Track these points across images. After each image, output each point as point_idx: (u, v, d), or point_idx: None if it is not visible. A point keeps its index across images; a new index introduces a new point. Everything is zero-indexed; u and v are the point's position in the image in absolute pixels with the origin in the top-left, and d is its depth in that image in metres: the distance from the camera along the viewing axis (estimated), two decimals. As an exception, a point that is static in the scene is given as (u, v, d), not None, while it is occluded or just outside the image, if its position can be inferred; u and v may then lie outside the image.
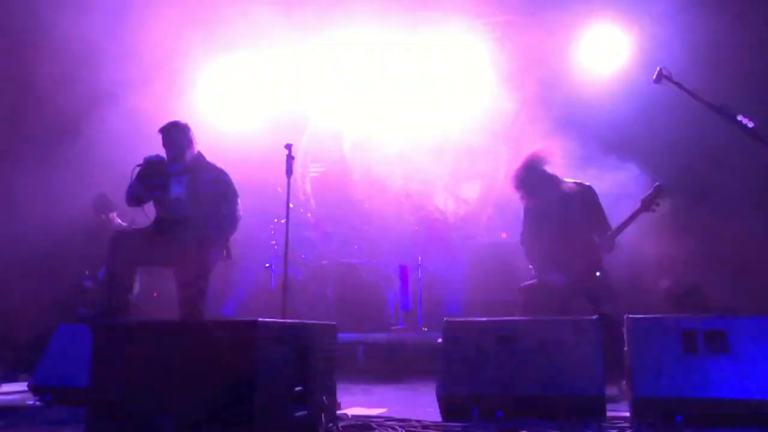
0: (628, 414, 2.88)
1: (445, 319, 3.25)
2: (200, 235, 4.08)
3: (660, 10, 6.23)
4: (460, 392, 2.95)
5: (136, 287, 5.41)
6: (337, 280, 6.23)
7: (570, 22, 7.01)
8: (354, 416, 3.02)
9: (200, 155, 4.35)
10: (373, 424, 2.77)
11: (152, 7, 6.52)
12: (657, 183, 3.98)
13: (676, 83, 3.53)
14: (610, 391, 3.04)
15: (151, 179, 4.13)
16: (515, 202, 4.56)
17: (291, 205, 4.57)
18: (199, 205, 4.13)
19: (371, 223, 6.53)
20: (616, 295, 3.94)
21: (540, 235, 4.14)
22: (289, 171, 4.37)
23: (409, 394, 4.40)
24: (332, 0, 6.73)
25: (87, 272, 5.81)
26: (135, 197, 4.19)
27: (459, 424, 2.78)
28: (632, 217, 3.92)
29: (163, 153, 4.29)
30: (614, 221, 4.09)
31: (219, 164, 4.44)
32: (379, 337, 5.66)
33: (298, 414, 2.44)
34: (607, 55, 6.86)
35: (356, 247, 6.35)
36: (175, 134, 4.24)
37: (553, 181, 4.09)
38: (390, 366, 5.48)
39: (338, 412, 2.98)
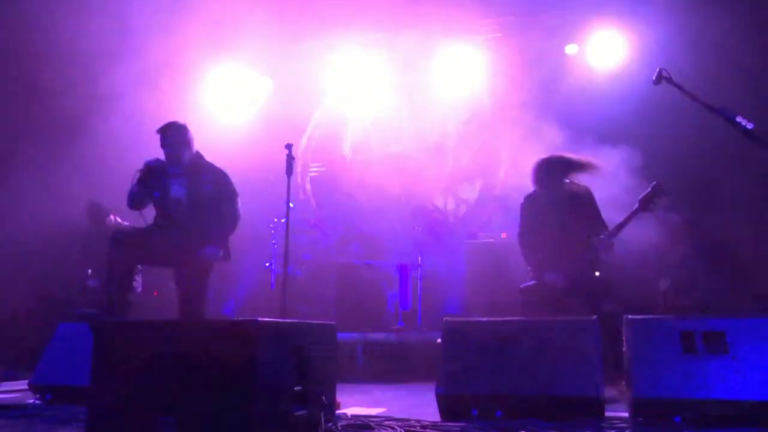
0: (626, 414, 2.88)
1: (444, 318, 3.26)
2: (200, 235, 4.08)
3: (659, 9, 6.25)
4: (460, 392, 2.96)
5: (137, 287, 5.44)
6: (337, 279, 6.24)
7: (571, 21, 7.03)
8: (353, 416, 3.03)
9: (199, 155, 4.36)
10: (372, 424, 2.77)
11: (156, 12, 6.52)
12: (654, 182, 3.99)
13: (676, 85, 3.54)
14: (609, 391, 3.05)
15: (151, 181, 4.14)
16: (514, 202, 4.58)
17: (291, 205, 4.58)
18: (198, 205, 4.14)
19: (371, 223, 6.53)
20: (615, 295, 3.94)
21: (538, 236, 4.15)
22: (289, 171, 4.38)
23: (409, 394, 4.41)
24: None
25: (90, 271, 5.82)
26: (136, 202, 4.20)
27: (458, 424, 2.79)
28: (630, 217, 3.92)
29: (161, 153, 4.30)
30: (613, 222, 4.09)
31: (218, 164, 4.45)
32: (379, 336, 5.67)
33: (297, 413, 2.45)
34: (607, 53, 6.86)
35: (356, 246, 6.35)
36: (173, 134, 4.24)
37: (561, 184, 4.11)
38: (389, 366, 5.48)
39: (338, 411, 2.98)
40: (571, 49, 7.02)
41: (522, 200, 4.43)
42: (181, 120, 4.40)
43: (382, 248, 6.48)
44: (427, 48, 7.60)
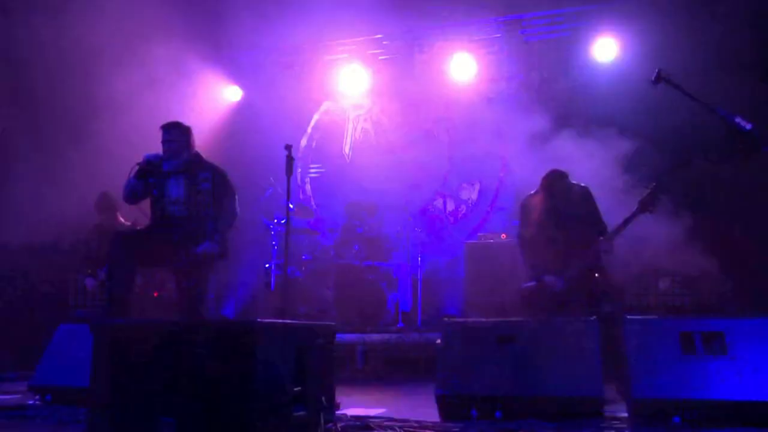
0: (626, 415, 2.89)
1: (444, 319, 3.26)
2: (198, 234, 4.09)
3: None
4: (459, 393, 2.96)
5: (136, 287, 5.42)
6: (337, 280, 6.24)
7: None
8: (353, 416, 3.03)
9: (198, 155, 4.36)
10: (371, 425, 2.77)
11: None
12: (654, 184, 3.99)
13: (675, 85, 3.54)
14: (609, 391, 3.05)
15: (149, 177, 4.15)
16: (514, 203, 4.59)
17: (291, 206, 4.58)
18: (196, 204, 4.14)
19: (371, 224, 6.53)
20: (615, 296, 3.95)
21: (538, 237, 4.15)
22: (289, 171, 4.38)
23: (408, 395, 4.41)
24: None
25: (89, 271, 5.82)
26: (132, 194, 4.21)
27: (458, 424, 2.79)
28: (630, 219, 3.92)
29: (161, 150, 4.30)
30: (612, 222, 4.09)
31: (218, 164, 4.45)
32: (379, 337, 5.67)
33: (296, 414, 2.45)
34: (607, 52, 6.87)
35: (356, 247, 6.35)
36: (176, 134, 4.26)
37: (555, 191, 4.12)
38: (389, 366, 5.49)
39: (337, 412, 2.98)
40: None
41: (522, 201, 4.44)
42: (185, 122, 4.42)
43: (381, 249, 6.49)
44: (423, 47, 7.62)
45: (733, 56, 5.84)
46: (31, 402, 3.62)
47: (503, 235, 6.50)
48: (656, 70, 3.51)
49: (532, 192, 4.35)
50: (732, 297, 5.15)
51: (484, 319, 3.25)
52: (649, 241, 5.23)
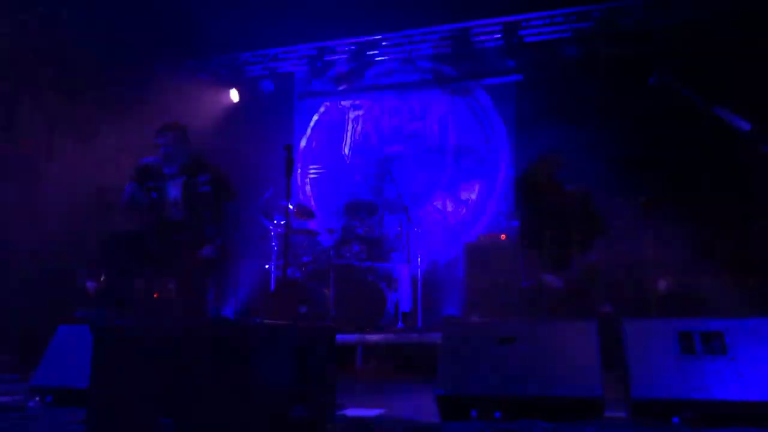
0: (625, 415, 2.89)
1: (444, 319, 3.26)
2: (198, 237, 4.09)
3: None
4: (459, 393, 2.96)
5: (136, 289, 5.43)
6: (337, 281, 6.24)
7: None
8: (353, 417, 3.03)
9: (197, 155, 4.35)
10: (371, 425, 2.78)
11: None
12: (654, 183, 3.99)
13: (674, 85, 3.54)
14: (608, 392, 3.05)
15: (148, 181, 4.14)
16: (514, 203, 4.59)
17: (290, 207, 4.58)
18: (196, 206, 4.14)
19: (371, 224, 6.53)
20: (613, 296, 3.95)
21: (538, 237, 4.15)
22: (289, 172, 4.37)
23: (408, 395, 4.41)
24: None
25: (89, 272, 5.82)
26: (132, 201, 4.20)
27: (457, 424, 2.79)
28: (630, 218, 3.93)
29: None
30: (613, 222, 4.10)
31: (217, 164, 4.45)
32: (379, 338, 5.67)
33: (296, 415, 2.45)
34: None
35: (356, 248, 6.35)
36: (171, 135, 4.24)
37: (553, 186, 4.10)
38: (389, 367, 5.49)
39: (337, 413, 2.99)
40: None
41: (522, 202, 4.44)
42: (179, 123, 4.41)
43: (381, 250, 6.49)
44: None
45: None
46: (31, 403, 3.62)
47: (503, 236, 6.50)
48: (654, 71, 3.51)
49: (533, 192, 4.33)
50: (732, 297, 5.14)
51: (484, 320, 3.26)
52: (648, 242, 5.23)
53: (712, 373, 2.71)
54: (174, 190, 4.17)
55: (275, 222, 6.61)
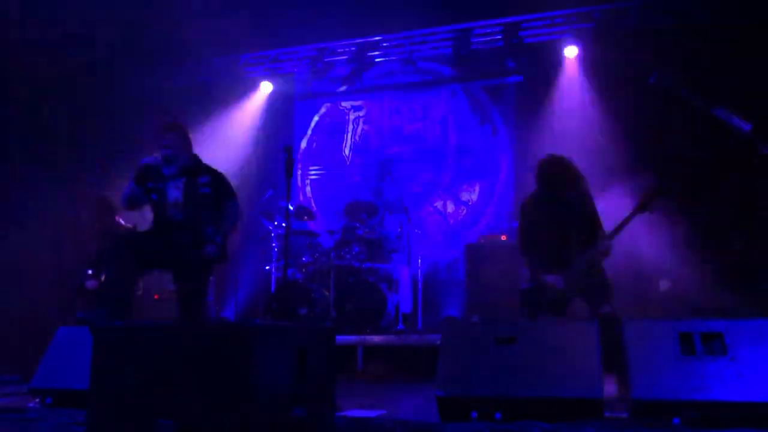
0: (625, 416, 2.89)
1: (444, 320, 3.26)
2: (198, 238, 4.08)
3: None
4: (459, 394, 2.96)
5: (137, 290, 5.43)
6: (337, 282, 6.24)
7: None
8: (353, 418, 3.03)
9: (197, 157, 4.35)
10: (372, 426, 2.77)
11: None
12: (653, 183, 3.99)
13: (674, 86, 3.55)
14: (608, 392, 3.05)
15: (148, 182, 4.14)
16: (515, 204, 4.59)
17: (291, 208, 4.58)
18: (196, 207, 4.13)
19: (371, 225, 6.54)
20: (614, 297, 3.94)
21: (538, 238, 4.15)
22: (289, 173, 4.37)
23: (408, 396, 4.41)
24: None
25: (90, 272, 5.82)
26: (132, 201, 4.20)
27: (458, 425, 2.79)
28: (628, 219, 3.92)
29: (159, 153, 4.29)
30: (613, 223, 4.09)
31: (218, 166, 4.45)
32: (379, 339, 5.67)
33: (296, 416, 2.45)
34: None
35: (356, 249, 6.35)
36: (173, 135, 4.23)
37: (559, 186, 4.10)
38: (389, 368, 5.48)
39: (337, 414, 2.98)
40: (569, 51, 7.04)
41: (522, 202, 4.43)
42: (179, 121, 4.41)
43: (382, 251, 6.49)
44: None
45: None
46: (31, 404, 3.63)
47: (503, 237, 6.50)
48: (654, 72, 3.51)
49: (532, 192, 4.35)
50: (732, 298, 5.14)
51: (484, 320, 3.25)
52: (649, 242, 5.23)
53: (712, 374, 2.71)
54: (174, 192, 4.16)
55: (275, 223, 6.61)
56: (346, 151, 8.21)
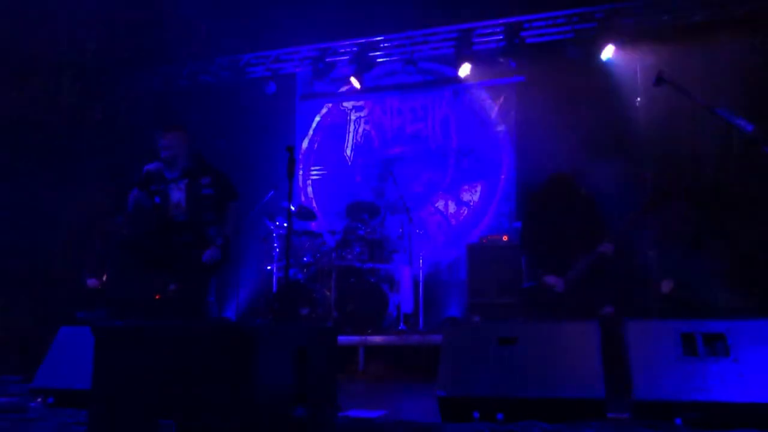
0: (627, 416, 2.88)
1: (445, 320, 3.26)
2: (200, 239, 4.09)
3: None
4: (461, 394, 2.95)
5: (137, 290, 5.44)
6: (338, 282, 6.24)
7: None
8: (355, 418, 3.03)
9: (199, 157, 4.36)
10: (373, 426, 2.77)
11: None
12: (657, 184, 3.99)
13: (676, 86, 3.54)
14: (609, 393, 3.04)
15: (151, 186, 4.15)
16: (516, 205, 4.58)
17: (292, 208, 4.58)
18: (198, 208, 4.14)
19: (373, 226, 6.54)
20: (616, 297, 3.94)
21: (540, 239, 4.15)
22: (291, 173, 4.37)
23: (410, 396, 4.41)
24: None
25: (92, 273, 5.83)
26: (138, 206, 4.21)
27: (459, 426, 2.79)
28: (632, 220, 3.92)
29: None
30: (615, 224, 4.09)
31: (219, 166, 4.45)
32: (380, 339, 5.67)
33: (297, 416, 2.45)
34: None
35: (357, 249, 6.36)
36: (172, 138, 4.24)
37: (564, 200, 4.10)
38: (390, 368, 5.49)
39: (339, 414, 2.98)
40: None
41: (524, 203, 4.44)
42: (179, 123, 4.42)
43: (383, 251, 6.49)
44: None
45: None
46: (32, 404, 3.63)
47: (505, 237, 6.50)
48: (657, 72, 3.51)
49: (535, 193, 4.34)
50: (734, 298, 5.13)
51: (485, 321, 3.25)
52: (651, 243, 5.22)
53: (714, 375, 2.70)
54: (176, 193, 4.17)
55: (277, 223, 6.61)
56: (348, 152, 8.21)
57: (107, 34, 6.76)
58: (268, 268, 6.75)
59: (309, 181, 8.34)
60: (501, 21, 7.21)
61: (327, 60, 7.94)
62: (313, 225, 7.10)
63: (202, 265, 4.17)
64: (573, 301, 4.01)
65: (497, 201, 7.46)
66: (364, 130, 8.20)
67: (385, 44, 7.73)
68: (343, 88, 8.19)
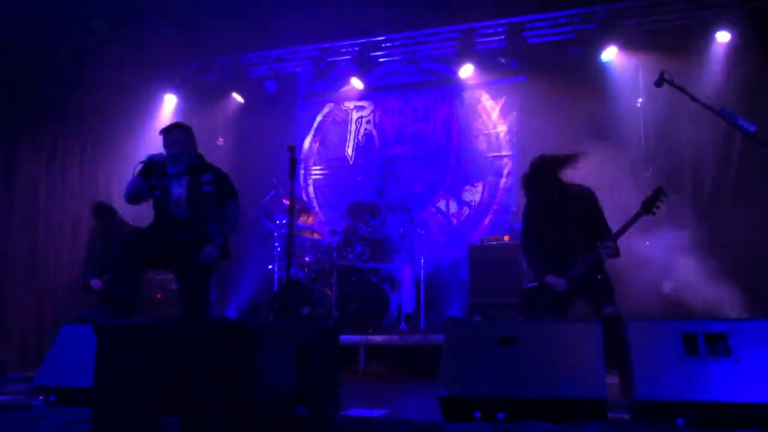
0: (628, 416, 2.88)
1: (446, 320, 3.26)
2: (201, 236, 4.09)
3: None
4: (462, 394, 2.96)
5: (140, 289, 5.44)
6: (339, 281, 6.24)
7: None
8: (356, 417, 3.04)
9: (200, 156, 4.36)
10: (375, 426, 2.78)
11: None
12: (657, 185, 3.98)
13: (678, 87, 3.54)
14: (611, 393, 3.04)
15: (152, 179, 4.14)
16: (517, 205, 4.58)
17: (293, 207, 4.58)
18: (199, 206, 4.14)
19: (374, 225, 6.54)
20: (617, 298, 3.94)
21: (541, 239, 4.14)
22: (292, 172, 4.38)
23: (411, 396, 4.41)
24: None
25: (93, 272, 5.84)
26: (135, 195, 4.20)
27: (460, 425, 2.79)
28: (633, 220, 3.91)
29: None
30: (615, 224, 4.08)
31: (221, 166, 4.46)
32: (381, 338, 5.67)
33: (298, 415, 2.45)
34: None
35: (358, 249, 6.36)
36: (177, 135, 4.25)
37: (558, 184, 4.08)
38: (391, 368, 5.49)
39: (340, 413, 2.99)
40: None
41: (525, 203, 4.43)
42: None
43: (384, 251, 6.50)
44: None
45: None
46: (34, 402, 3.63)
47: (506, 237, 6.50)
48: (659, 72, 3.51)
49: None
50: (735, 299, 5.14)
51: (486, 321, 3.25)
52: (652, 243, 5.22)
53: (715, 375, 2.70)
54: (177, 189, 4.17)
55: (278, 222, 6.62)
56: (349, 151, 8.22)
57: (107, 34, 6.76)
58: (269, 267, 6.76)
59: (310, 181, 8.34)
60: (502, 21, 7.21)
61: (328, 59, 7.94)
62: (314, 224, 7.10)
63: (202, 264, 4.17)
64: (574, 301, 4.00)
65: (498, 201, 7.46)
66: (365, 129, 8.20)
67: (387, 44, 7.73)
68: (345, 88, 8.19)
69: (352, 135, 8.25)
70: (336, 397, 2.83)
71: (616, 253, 3.92)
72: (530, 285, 4.20)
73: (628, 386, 2.95)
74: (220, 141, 7.89)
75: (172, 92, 8.17)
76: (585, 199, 4.14)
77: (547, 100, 6.85)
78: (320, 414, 2.60)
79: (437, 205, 7.71)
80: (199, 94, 8.13)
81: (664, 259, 5.42)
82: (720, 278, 5.24)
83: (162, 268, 5.58)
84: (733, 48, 6.15)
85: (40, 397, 3.66)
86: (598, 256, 3.92)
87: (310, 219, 6.93)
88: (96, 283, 5.77)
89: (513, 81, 7.53)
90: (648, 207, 3.91)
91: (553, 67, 7.06)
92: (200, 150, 4.40)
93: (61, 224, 7.07)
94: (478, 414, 2.89)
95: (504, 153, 7.55)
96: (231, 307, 7.17)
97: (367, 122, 8.21)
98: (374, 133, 8.15)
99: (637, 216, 3.92)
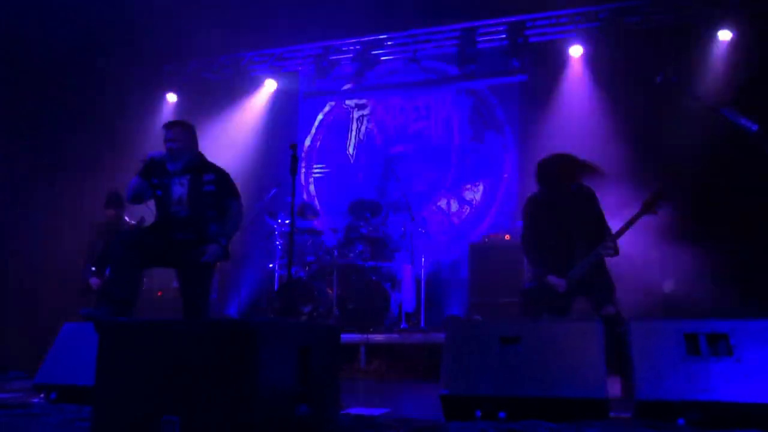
0: (630, 416, 2.88)
1: (446, 319, 3.26)
2: (202, 236, 4.09)
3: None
4: (463, 393, 2.95)
5: (141, 287, 5.44)
6: (340, 280, 6.24)
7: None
8: (357, 416, 3.03)
9: (201, 155, 4.36)
10: (375, 425, 2.77)
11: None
12: (657, 185, 3.98)
13: (680, 85, 3.53)
14: (612, 393, 3.04)
15: (153, 178, 4.13)
16: (518, 204, 4.58)
17: (294, 206, 4.57)
18: (200, 205, 4.13)
19: (375, 224, 6.54)
20: (618, 298, 3.94)
21: (541, 238, 4.14)
22: (294, 171, 4.37)
23: (412, 395, 4.41)
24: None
25: (93, 269, 5.83)
26: (137, 194, 4.20)
27: (461, 424, 2.79)
28: (633, 220, 3.91)
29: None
30: (615, 224, 4.08)
31: (221, 164, 4.45)
32: (382, 337, 5.68)
33: (299, 414, 2.45)
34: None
35: (359, 247, 6.36)
36: (179, 132, 4.23)
37: (565, 184, 4.08)
38: (392, 366, 5.49)
39: (341, 412, 2.98)
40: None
41: (525, 202, 4.42)
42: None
43: (385, 250, 6.49)
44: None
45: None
46: (35, 400, 3.64)
47: (507, 236, 6.50)
48: (661, 71, 3.50)
49: (535, 192, 4.33)
50: (736, 299, 5.13)
51: (488, 320, 3.25)
52: (653, 243, 5.21)
53: (717, 375, 2.70)
54: (178, 189, 4.16)
55: (279, 221, 6.61)
56: (350, 150, 8.21)
57: (108, 34, 6.76)
58: (270, 266, 6.75)
59: (311, 179, 8.34)
60: (504, 20, 7.21)
61: (330, 58, 7.94)
62: (315, 223, 7.10)
63: (204, 263, 4.16)
64: (575, 300, 4.00)
65: (499, 200, 7.46)
66: (366, 128, 8.20)
67: (388, 42, 7.73)
68: (346, 86, 8.18)
69: (354, 133, 8.24)
70: (337, 396, 2.83)
71: (615, 252, 3.93)
72: (531, 286, 4.19)
73: (629, 386, 2.95)
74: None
75: (173, 91, 8.17)
76: (585, 199, 4.14)
77: (548, 99, 6.84)
78: (321, 413, 2.60)
79: (438, 203, 7.70)
80: (200, 92, 8.13)
81: (666, 259, 5.41)
82: (722, 277, 5.24)
83: (163, 267, 5.58)
84: (735, 46, 6.14)
85: (41, 395, 3.66)
86: (598, 255, 3.92)
87: (316, 217, 6.94)
88: (95, 282, 5.77)
89: (514, 80, 7.52)
90: (649, 206, 3.90)
91: (554, 65, 7.05)
92: (201, 150, 4.39)
93: (61, 223, 7.07)
94: (479, 413, 2.89)
95: (505, 151, 7.54)
96: (232, 305, 7.17)
97: (369, 121, 8.20)
98: (375, 131, 8.15)
99: (637, 216, 3.92)
